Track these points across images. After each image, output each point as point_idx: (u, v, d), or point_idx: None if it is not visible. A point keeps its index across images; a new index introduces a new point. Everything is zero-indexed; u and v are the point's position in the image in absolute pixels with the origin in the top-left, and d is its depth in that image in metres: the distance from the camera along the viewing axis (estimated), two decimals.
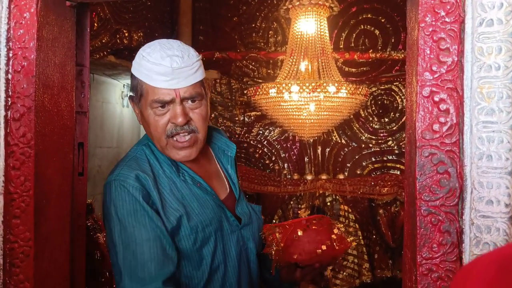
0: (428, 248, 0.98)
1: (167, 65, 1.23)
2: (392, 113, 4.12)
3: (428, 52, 0.97)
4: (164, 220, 1.27)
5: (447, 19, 0.96)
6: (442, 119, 0.97)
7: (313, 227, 1.40)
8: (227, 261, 1.38)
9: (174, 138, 1.30)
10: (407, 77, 1.12)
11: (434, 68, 0.97)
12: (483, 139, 0.93)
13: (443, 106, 0.97)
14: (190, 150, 1.32)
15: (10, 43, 1.11)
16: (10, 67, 1.11)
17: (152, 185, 1.28)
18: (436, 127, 0.97)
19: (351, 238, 1.46)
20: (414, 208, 1.00)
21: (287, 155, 4.23)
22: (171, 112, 1.28)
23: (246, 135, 4.26)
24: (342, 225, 1.49)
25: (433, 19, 0.96)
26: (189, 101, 1.30)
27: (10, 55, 1.11)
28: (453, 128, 0.96)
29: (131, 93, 1.37)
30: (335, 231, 1.41)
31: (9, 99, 1.11)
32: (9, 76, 1.11)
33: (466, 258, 0.95)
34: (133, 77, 1.32)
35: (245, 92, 4.02)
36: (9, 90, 1.11)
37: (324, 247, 1.36)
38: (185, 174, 1.36)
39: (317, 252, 1.36)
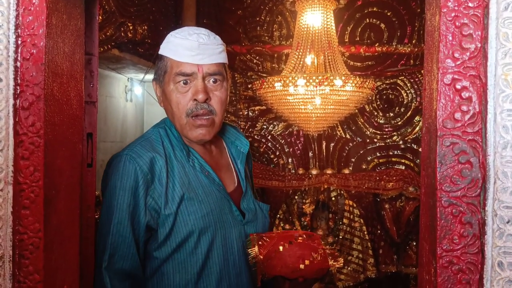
0: (449, 240, 0.96)
1: (194, 40, 1.31)
2: (397, 108, 4.09)
3: (450, 38, 0.94)
4: (163, 205, 1.31)
5: (470, 4, 0.93)
6: (464, 108, 0.94)
7: (298, 241, 1.39)
8: (228, 255, 1.37)
9: (193, 117, 1.34)
10: (425, 65, 1.09)
11: (456, 55, 0.94)
12: (507, 127, 0.91)
13: (465, 94, 0.94)
14: (207, 129, 1.36)
15: (19, 30, 1.08)
16: (19, 54, 1.08)
17: (164, 166, 1.32)
18: (458, 115, 0.94)
19: (335, 262, 1.43)
20: (434, 199, 0.98)
21: (291, 149, 4.21)
22: (193, 88, 1.33)
23: (250, 129, 4.24)
24: (329, 247, 1.46)
25: (456, 4, 0.93)
26: (211, 81, 1.35)
27: (19, 42, 1.08)
28: (476, 117, 0.93)
29: (154, 76, 1.43)
30: (319, 251, 1.39)
31: (18, 87, 1.08)
32: (18, 63, 1.08)
33: (489, 250, 0.93)
34: (159, 58, 1.39)
35: (249, 86, 3.99)
36: (18, 78, 1.08)
37: (307, 262, 1.35)
38: (195, 160, 1.38)
39: (298, 268, 1.35)
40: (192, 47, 1.31)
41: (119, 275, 1.29)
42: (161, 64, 1.38)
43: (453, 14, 0.94)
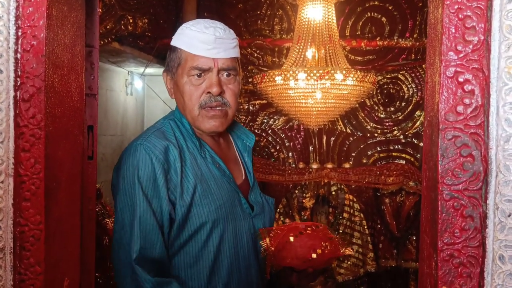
0: (450, 234, 0.96)
1: (211, 34, 1.29)
2: (398, 102, 4.08)
3: (453, 31, 0.93)
4: (179, 195, 1.28)
5: None
6: (466, 101, 0.94)
7: (308, 232, 1.39)
8: (238, 248, 1.36)
9: (207, 109, 1.33)
10: (427, 57, 1.09)
11: (459, 48, 0.93)
12: (510, 121, 0.90)
13: (468, 87, 0.93)
14: (220, 120, 1.35)
15: (19, 22, 1.08)
16: (19, 46, 1.07)
17: (178, 155, 1.29)
18: (460, 108, 0.94)
19: (346, 249, 1.43)
20: (435, 192, 0.98)
21: (291, 144, 4.20)
22: (207, 82, 1.32)
23: (251, 123, 4.24)
24: (337, 236, 1.47)
25: None
26: (225, 74, 1.34)
27: (19, 33, 1.07)
28: (478, 110, 0.93)
29: (166, 67, 1.41)
30: (330, 239, 1.39)
31: (18, 79, 1.07)
32: (18, 55, 1.07)
33: (490, 244, 0.93)
34: (171, 49, 1.38)
35: (250, 80, 3.98)
36: (18, 70, 1.07)
37: (319, 251, 1.34)
38: (206, 152, 1.37)
39: (310, 257, 1.34)
40: (208, 40, 1.29)
41: (150, 264, 1.24)
42: (174, 56, 1.36)
43: (456, 7, 0.93)
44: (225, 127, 1.39)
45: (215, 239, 1.32)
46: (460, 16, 0.93)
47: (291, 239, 1.35)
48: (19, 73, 1.08)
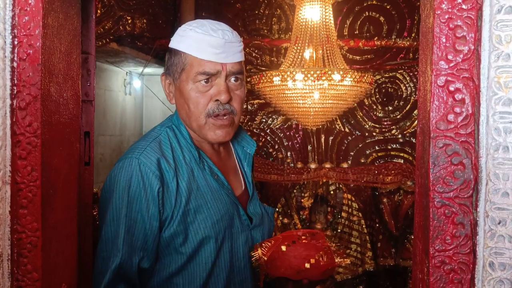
0: (441, 240, 0.97)
1: (220, 37, 1.22)
2: (396, 101, 4.09)
3: (444, 40, 0.94)
4: (175, 211, 1.24)
5: (464, 6, 0.93)
6: (457, 109, 0.94)
7: (303, 241, 1.36)
8: (234, 261, 1.33)
9: (214, 118, 1.27)
10: (420, 66, 1.10)
11: (449, 57, 0.94)
12: (499, 130, 0.91)
13: (458, 96, 0.94)
14: (227, 130, 1.29)
15: (15, 31, 1.09)
16: (16, 55, 1.08)
17: (173, 174, 1.23)
18: (451, 117, 0.95)
19: (342, 260, 1.41)
20: (427, 199, 0.99)
21: (290, 143, 4.21)
22: (215, 88, 1.25)
23: (249, 123, 4.25)
24: (334, 244, 1.44)
25: (450, 6, 0.94)
26: (232, 79, 1.28)
27: (15, 42, 1.08)
28: (469, 119, 0.94)
29: (165, 71, 1.35)
30: (325, 249, 1.36)
31: (15, 87, 1.08)
32: (15, 64, 1.08)
33: (480, 251, 0.94)
34: (172, 52, 1.29)
35: (248, 80, 3.99)
36: (15, 78, 1.08)
37: (312, 261, 1.32)
38: (205, 163, 1.31)
39: (304, 268, 1.32)
40: (218, 44, 1.22)
41: (125, 279, 1.20)
42: (177, 60, 1.28)
43: (447, 16, 0.94)
44: (232, 136, 1.33)
45: (212, 254, 1.28)
46: (450, 25, 0.94)
47: (283, 248, 1.32)
48: (16, 82, 1.09)
